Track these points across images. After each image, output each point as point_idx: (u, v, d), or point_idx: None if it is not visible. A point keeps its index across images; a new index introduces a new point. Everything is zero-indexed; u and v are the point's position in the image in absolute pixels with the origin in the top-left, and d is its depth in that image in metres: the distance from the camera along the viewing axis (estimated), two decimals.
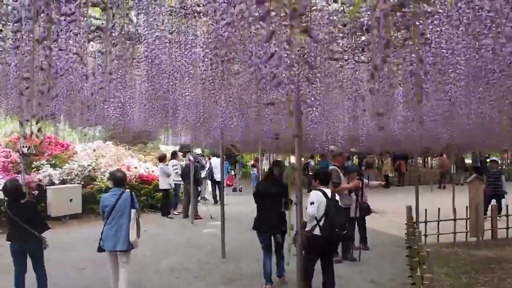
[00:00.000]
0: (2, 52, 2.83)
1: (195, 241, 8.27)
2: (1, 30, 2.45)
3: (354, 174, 6.90)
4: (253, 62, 1.75)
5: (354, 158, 20.80)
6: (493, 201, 8.98)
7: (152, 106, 3.83)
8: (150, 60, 2.66)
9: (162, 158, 11.31)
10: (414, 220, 7.15)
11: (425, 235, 7.24)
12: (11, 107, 4.77)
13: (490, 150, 19.16)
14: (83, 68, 2.77)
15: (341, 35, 1.93)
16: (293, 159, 25.16)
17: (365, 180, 7.10)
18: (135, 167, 12.37)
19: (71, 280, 5.79)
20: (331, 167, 6.90)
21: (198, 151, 13.19)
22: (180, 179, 11.19)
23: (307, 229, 4.67)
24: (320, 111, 2.81)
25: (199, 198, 11.88)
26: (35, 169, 10.31)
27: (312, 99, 2.28)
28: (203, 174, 12.92)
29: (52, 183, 10.30)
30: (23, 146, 8.17)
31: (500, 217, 8.47)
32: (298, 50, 2.26)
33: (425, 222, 7.61)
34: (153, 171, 12.45)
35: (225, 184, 10.80)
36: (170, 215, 10.94)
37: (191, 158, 10.40)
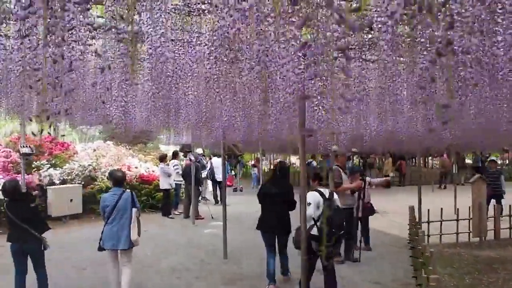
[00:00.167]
0: (3, 50, 2.79)
1: (196, 242, 8.24)
2: (4, 22, 2.40)
3: (357, 174, 6.88)
4: (260, 60, 1.72)
5: (355, 158, 20.76)
6: (493, 201, 8.96)
7: (154, 105, 3.80)
8: (153, 59, 2.63)
9: (162, 158, 11.28)
10: (417, 220, 7.12)
11: (428, 235, 7.22)
12: (11, 106, 4.73)
13: (490, 150, 19.12)
14: (85, 66, 2.74)
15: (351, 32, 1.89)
16: (293, 159, 25.21)
17: (368, 179, 7.07)
18: (136, 167, 12.34)
19: (71, 280, 5.77)
20: (333, 167, 6.88)
21: (199, 151, 13.15)
22: (181, 179, 11.16)
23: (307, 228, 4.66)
24: (326, 110, 2.77)
25: (200, 198, 11.85)
26: (35, 169, 10.27)
27: (319, 97, 2.25)
28: (204, 174, 12.88)
29: (53, 183, 10.27)
30: (23, 146, 8.13)
31: (502, 217, 8.44)
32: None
33: (428, 222, 7.58)
34: (153, 171, 12.41)
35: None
36: (171, 215, 10.91)
37: (192, 158, 10.37)
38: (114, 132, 14.87)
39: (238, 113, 3.98)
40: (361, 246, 7.02)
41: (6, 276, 5.27)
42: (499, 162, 20.45)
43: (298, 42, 1.81)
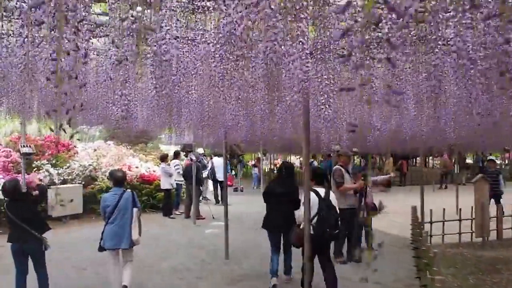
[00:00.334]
0: (5, 48, 2.76)
1: (197, 242, 8.20)
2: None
3: (360, 174, 6.84)
4: (268, 57, 1.68)
5: (355, 158, 20.72)
6: (492, 201, 8.92)
7: (157, 104, 3.77)
8: (156, 57, 2.59)
9: (163, 158, 11.24)
10: (420, 220, 7.09)
11: (430, 236, 7.19)
12: (12, 106, 4.70)
13: (492, 150, 19.09)
14: (87, 65, 2.71)
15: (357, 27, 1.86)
16: (294, 159, 25.14)
17: (372, 178, 7.03)
18: (136, 167, 12.31)
19: (71, 280, 5.74)
20: (335, 167, 6.85)
21: (200, 150, 13.12)
22: (182, 179, 11.13)
23: (301, 228, 4.81)
24: (330, 110, 2.73)
25: (201, 198, 11.81)
26: (35, 168, 10.24)
27: (326, 96, 2.22)
28: (205, 174, 12.85)
29: (53, 183, 10.22)
30: (24, 146, 8.09)
31: (503, 217, 8.41)
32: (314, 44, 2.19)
33: (430, 222, 7.54)
34: (154, 171, 12.38)
35: None
36: (172, 215, 10.87)
37: (193, 158, 10.33)
38: (114, 132, 14.84)
39: (241, 112, 3.95)
40: (361, 246, 6.97)
41: (6, 276, 5.24)
42: (498, 162, 20.43)
43: (305, 38, 1.77)
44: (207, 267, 6.45)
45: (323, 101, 2.30)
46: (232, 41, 2.02)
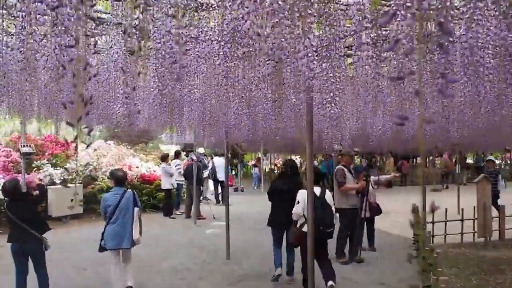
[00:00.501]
0: (5, 45, 2.73)
1: (197, 242, 8.16)
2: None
3: (362, 174, 6.82)
4: (274, 54, 1.65)
5: (356, 158, 20.68)
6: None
7: (160, 102, 3.74)
8: (158, 56, 2.56)
9: (164, 158, 11.20)
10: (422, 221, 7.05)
11: (432, 236, 7.15)
12: (12, 105, 4.66)
13: (493, 150, 19.07)
14: (90, 63, 2.66)
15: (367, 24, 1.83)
16: (294, 159, 25.13)
17: (374, 178, 6.99)
18: (137, 167, 12.27)
19: (72, 281, 5.71)
20: (337, 167, 6.81)
21: (201, 150, 13.09)
22: (183, 178, 11.09)
23: (297, 226, 4.99)
24: (334, 109, 2.70)
25: (201, 198, 11.79)
26: (35, 168, 10.20)
27: (332, 94, 2.18)
28: (206, 173, 12.83)
29: (53, 183, 10.19)
30: (24, 146, 8.06)
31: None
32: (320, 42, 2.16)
33: (433, 222, 7.50)
34: (154, 171, 12.34)
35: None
36: (172, 215, 10.84)
37: (194, 158, 10.30)
38: (115, 131, 14.80)
39: (243, 111, 3.91)
40: (362, 246, 6.94)
41: (6, 276, 5.20)
42: (497, 162, 20.42)
43: (312, 36, 1.74)
44: (208, 267, 6.42)
45: (328, 99, 2.27)
46: (236, 38, 1.98)
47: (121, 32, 2.43)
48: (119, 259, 4.96)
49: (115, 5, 2.28)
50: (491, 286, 5.40)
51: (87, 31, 1.22)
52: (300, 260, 5.13)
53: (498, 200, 9.41)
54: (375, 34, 2.09)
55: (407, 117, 0.80)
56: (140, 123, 5.30)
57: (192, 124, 5.47)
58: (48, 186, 9.77)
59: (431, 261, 4.12)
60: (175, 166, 11.13)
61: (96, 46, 2.87)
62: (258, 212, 10.86)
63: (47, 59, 2.33)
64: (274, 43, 1.56)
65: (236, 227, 8.46)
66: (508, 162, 26.08)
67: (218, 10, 2.37)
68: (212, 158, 14.54)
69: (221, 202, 12.99)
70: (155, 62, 2.61)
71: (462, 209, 8.01)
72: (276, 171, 21.55)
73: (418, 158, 24.16)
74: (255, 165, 19.94)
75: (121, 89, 2.70)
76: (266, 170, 21.21)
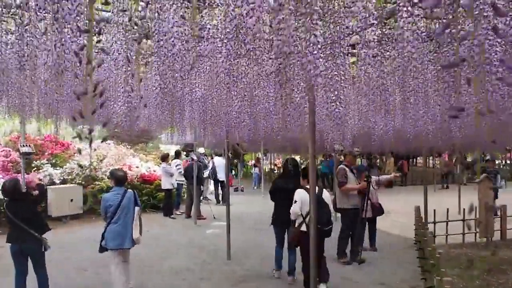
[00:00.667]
0: (4, 44, 2.69)
1: (198, 242, 8.13)
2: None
3: (363, 174, 6.79)
4: (279, 52, 1.61)
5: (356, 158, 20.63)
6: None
7: (160, 102, 3.70)
8: (159, 54, 2.52)
9: (164, 158, 11.17)
10: (423, 220, 7.03)
11: (434, 236, 7.13)
12: (11, 104, 4.63)
13: (493, 150, 19.02)
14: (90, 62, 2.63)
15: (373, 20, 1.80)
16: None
17: (375, 177, 6.97)
18: (137, 167, 12.24)
19: (72, 281, 5.69)
20: (339, 166, 6.78)
21: (201, 150, 13.05)
22: (183, 178, 11.06)
23: (296, 226, 5.04)
24: (337, 108, 2.67)
25: (201, 198, 11.76)
26: (35, 168, 10.17)
27: (336, 92, 2.15)
28: (206, 173, 12.81)
29: (53, 183, 10.16)
30: (23, 145, 8.03)
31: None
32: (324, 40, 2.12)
33: (434, 222, 7.48)
34: (154, 171, 12.31)
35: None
36: (172, 215, 10.81)
37: (194, 158, 10.26)
38: (115, 131, 14.75)
39: (244, 111, 3.88)
40: (363, 246, 6.91)
41: (6, 277, 5.18)
42: (497, 162, 20.42)
43: (318, 33, 1.70)
44: (208, 267, 6.39)
45: (333, 97, 2.24)
46: (240, 36, 1.95)
47: (122, 30, 2.40)
48: (120, 259, 4.94)
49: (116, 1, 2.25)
50: (494, 287, 5.38)
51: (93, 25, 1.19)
52: (301, 260, 5.11)
53: (496, 200, 9.42)
54: (380, 32, 2.07)
55: (464, 108, 0.76)
56: (141, 123, 5.25)
57: (193, 124, 5.44)
58: (48, 186, 9.78)
59: (434, 262, 4.08)
60: (175, 166, 11.09)
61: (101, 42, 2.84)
62: (258, 212, 10.85)
63: (48, 56, 2.29)
64: (279, 40, 1.53)
65: (236, 227, 8.43)
66: (508, 162, 26.06)
67: (220, 7, 2.34)
68: (212, 158, 14.51)
69: (221, 202, 12.97)
70: (156, 60, 2.58)
71: (464, 209, 7.99)
72: (276, 171, 21.54)
73: (418, 158, 24.15)
74: (255, 165, 19.91)
75: (122, 88, 2.67)
76: (266, 170, 21.19)
